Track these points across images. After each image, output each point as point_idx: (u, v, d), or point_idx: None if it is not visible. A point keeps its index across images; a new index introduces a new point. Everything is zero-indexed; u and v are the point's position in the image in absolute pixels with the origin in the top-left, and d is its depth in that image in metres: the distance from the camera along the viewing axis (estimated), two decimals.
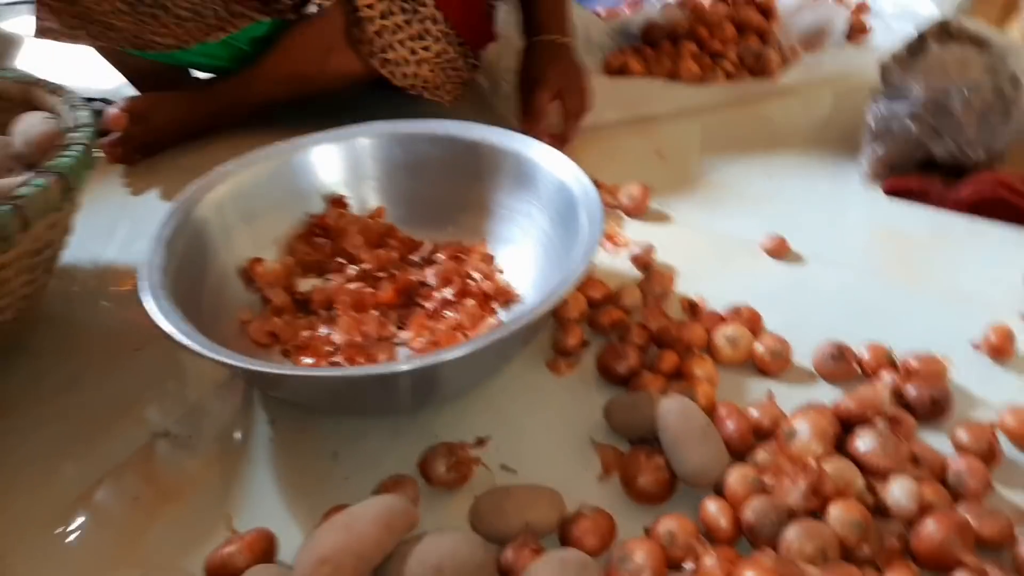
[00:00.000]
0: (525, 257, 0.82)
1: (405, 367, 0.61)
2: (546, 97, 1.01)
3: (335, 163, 0.87)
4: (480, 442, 0.64)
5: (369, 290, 0.80)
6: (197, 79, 1.25)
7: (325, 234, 0.86)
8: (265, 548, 0.57)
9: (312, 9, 1.02)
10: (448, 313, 0.78)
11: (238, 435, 0.70)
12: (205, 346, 0.61)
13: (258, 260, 0.82)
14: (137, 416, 0.73)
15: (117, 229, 0.99)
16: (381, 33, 1.04)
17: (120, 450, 0.69)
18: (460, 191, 0.87)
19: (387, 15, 1.03)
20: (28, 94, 0.87)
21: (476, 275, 0.82)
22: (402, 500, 0.55)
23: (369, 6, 1.02)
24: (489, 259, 0.84)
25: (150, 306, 0.64)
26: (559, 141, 1.00)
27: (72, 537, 0.62)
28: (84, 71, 1.25)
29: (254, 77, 1.12)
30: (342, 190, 0.87)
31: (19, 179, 0.77)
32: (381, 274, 0.82)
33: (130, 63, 1.19)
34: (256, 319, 0.78)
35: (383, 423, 0.69)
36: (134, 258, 0.93)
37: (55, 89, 0.86)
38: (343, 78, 1.06)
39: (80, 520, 0.63)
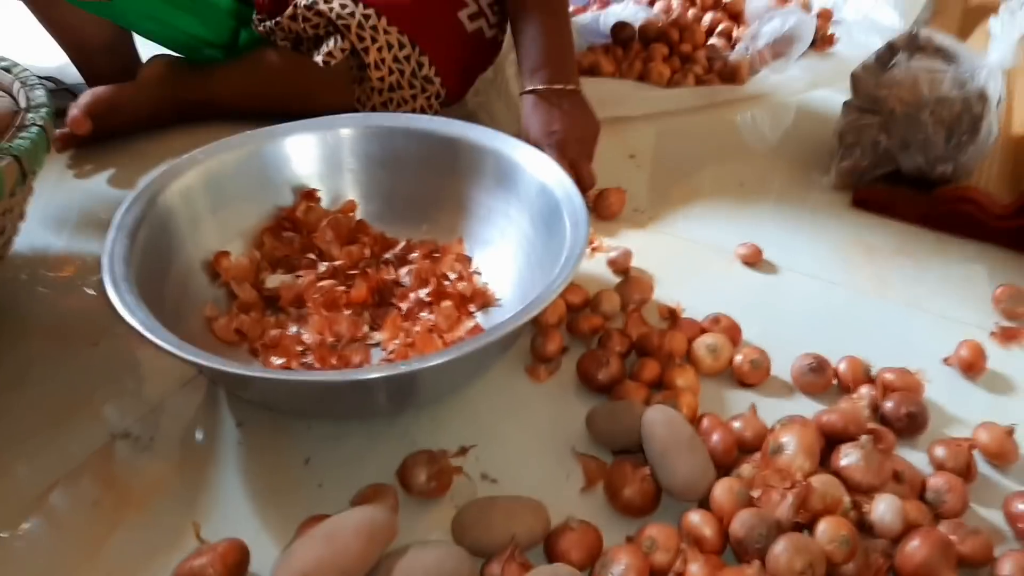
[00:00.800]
0: (503, 259, 0.80)
1: (386, 373, 0.58)
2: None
3: (307, 154, 0.84)
4: (463, 451, 0.62)
5: (341, 288, 0.78)
6: (144, 61, 1.19)
7: (294, 228, 0.83)
8: (238, 560, 0.54)
9: (316, 59, 1.00)
10: (423, 314, 0.76)
11: (204, 438, 0.67)
12: (175, 345, 0.58)
13: (224, 254, 0.78)
14: (93, 415, 0.69)
15: (67, 215, 0.95)
16: (387, 104, 1.04)
17: (77, 451, 0.65)
18: (436, 188, 0.84)
19: (396, 88, 1.02)
20: None
21: (452, 275, 0.80)
22: (383, 511, 0.54)
23: (381, 78, 1.01)
24: (465, 260, 0.82)
25: (115, 300, 0.61)
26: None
27: (25, 544, 0.59)
28: (26, 48, 1.18)
29: (227, 82, 1.08)
30: (314, 183, 0.84)
31: None
32: (353, 272, 0.80)
33: (75, 35, 1.13)
34: (222, 316, 0.74)
35: (357, 427, 0.67)
36: (85, 246, 0.89)
37: (7, 67, 0.81)
38: (322, 112, 1.01)
39: (34, 525, 0.60)
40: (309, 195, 0.84)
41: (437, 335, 0.74)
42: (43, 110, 0.74)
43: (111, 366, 0.74)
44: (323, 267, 0.80)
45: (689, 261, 0.87)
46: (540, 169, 0.78)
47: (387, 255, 0.83)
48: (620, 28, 1.27)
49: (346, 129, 0.84)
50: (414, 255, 0.82)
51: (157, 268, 0.71)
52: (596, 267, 0.85)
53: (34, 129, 0.71)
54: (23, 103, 0.76)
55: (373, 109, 1.04)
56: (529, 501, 0.58)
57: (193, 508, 0.61)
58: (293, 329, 0.75)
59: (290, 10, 1.02)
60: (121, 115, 1.06)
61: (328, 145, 0.84)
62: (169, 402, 0.70)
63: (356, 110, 1.05)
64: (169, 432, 0.67)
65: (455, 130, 0.84)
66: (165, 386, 0.72)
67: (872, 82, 0.96)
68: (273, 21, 1.05)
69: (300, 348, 0.73)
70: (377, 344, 0.75)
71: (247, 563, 0.55)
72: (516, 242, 0.79)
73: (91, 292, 0.83)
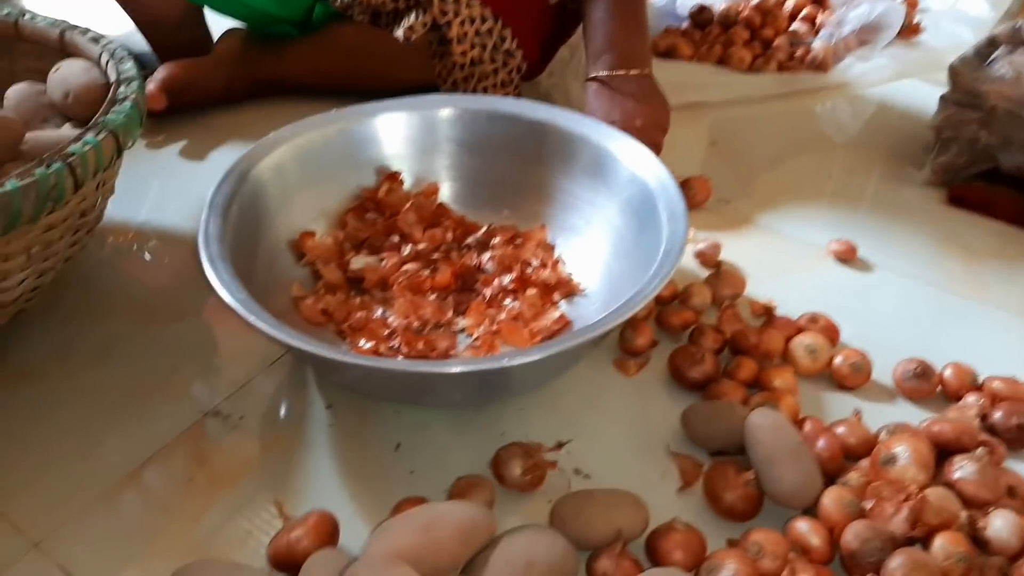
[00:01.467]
0: (589, 248, 0.78)
1: (489, 365, 0.58)
2: None
3: (392, 134, 0.83)
4: (559, 446, 0.61)
5: (425, 272, 0.77)
6: (215, 39, 1.19)
7: (376, 209, 0.82)
8: (329, 531, 0.54)
9: (397, 33, 0.99)
10: (507, 302, 0.75)
11: (293, 419, 0.67)
12: (279, 328, 0.57)
13: (309, 234, 0.78)
14: (180, 391, 0.69)
15: (144, 187, 0.95)
16: (468, 79, 1.02)
17: (167, 427, 0.66)
18: (520, 173, 0.83)
19: (477, 62, 1.01)
20: (66, 40, 0.82)
21: (534, 263, 0.78)
22: (484, 511, 0.53)
23: (463, 53, 1.00)
24: (548, 247, 0.80)
25: (215, 281, 0.61)
26: None
27: (120, 518, 0.59)
28: (90, 17, 1.18)
29: (301, 59, 1.07)
30: (397, 163, 0.83)
31: (65, 132, 0.73)
32: (435, 256, 0.79)
33: (147, 11, 1.12)
34: (309, 296, 0.74)
35: (444, 415, 0.67)
36: (163, 219, 0.89)
37: (95, 37, 0.81)
38: (399, 88, 0.99)
39: (130, 500, 0.60)
40: (392, 177, 0.83)
41: (523, 324, 0.73)
42: (134, 83, 0.73)
43: (195, 343, 0.74)
44: (407, 250, 0.79)
45: (779, 256, 0.85)
46: (631, 157, 0.76)
47: (469, 240, 0.82)
48: (699, 11, 1.24)
49: (432, 110, 0.83)
50: (496, 240, 0.80)
51: (247, 246, 0.71)
52: (683, 259, 0.82)
53: (127, 103, 0.70)
54: (113, 75, 0.75)
55: (453, 84, 1.02)
56: (628, 494, 0.57)
57: (285, 488, 0.61)
58: (378, 312, 0.74)
59: None
60: (195, 91, 1.06)
61: (413, 126, 0.83)
62: (256, 381, 0.70)
63: (435, 86, 1.04)
64: (258, 412, 0.67)
65: (542, 114, 0.82)
66: (251, 364, 0.71)
67: (971, 77, 0.92)
68: None
69: (386, 331, 0.72)
70: (462, 330, 0.74)
71: (338, 534, 0.55)
72: (603, 232, 0.78)
73: (173, 267, 0.83)
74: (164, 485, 0.61)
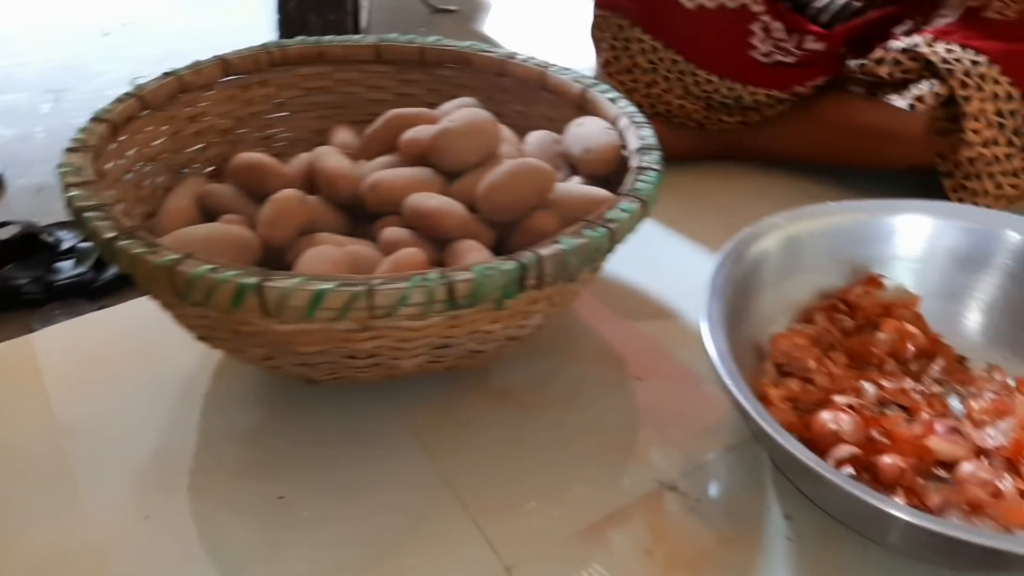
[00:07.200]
0: None
1: None
2: None
3: (897, 239, 0.80)
4: None
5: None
6: None
7: (850, 313, 0.79)
8: None
9: (900, 103, 0.96)
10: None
11: (749, 517, 0.66)
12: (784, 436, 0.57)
13: (785, 335, 0.76)
14: (640, 453, 0.71)
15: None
16: (973, 161, 0.95)
17: (627, 487, 0.68)
18: None
19: (990, 144, 0.95)
20: (587, 97, 0.89)
21: None
22: None
23: (976, 131, 0.94)
24: None
25: (725, 378, 0.61)
26: None
27: (583, 563, 0.62)
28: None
29: (782, 128, 1.07)
30: (880, 268, 0.79)
31: (590, 189, 0.78)
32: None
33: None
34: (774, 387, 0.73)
35: (924, 567, 0.61)
36: (627, 272, 0.93)
37: (615, 98, 0.87)
38: (887, 163, 0.97)
39: (591, 551, 0.63)
40: (872, 281, 0.79)
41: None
42: (655, 153, 0.77)
43: (656, 407, 0.76)
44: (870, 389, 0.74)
45: None
46: None
47: (933, 366, 0.75)
48: None
49: (945, 219, 0.78)
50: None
51: (727, 331, 0.71)
52: None
53: (654, 173, 0.73)
54: (632, 140, 0.80)
55: (955, 165, 0.97)
56: None
57: None
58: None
59: (879, 53, 0.98)
60: (665, 145, 1.10)
61: (915, 232, 0.79)
62: (714, 464, 0.70)
63: (932, 164, 0.99)
64: (715, 499, 0.67)
65: None
66: (709, 443, 0.72)
67: None
68: (857, 64, 1.01)
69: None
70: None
71: None
72: None
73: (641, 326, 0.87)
74: (624, 548, 0.63)
